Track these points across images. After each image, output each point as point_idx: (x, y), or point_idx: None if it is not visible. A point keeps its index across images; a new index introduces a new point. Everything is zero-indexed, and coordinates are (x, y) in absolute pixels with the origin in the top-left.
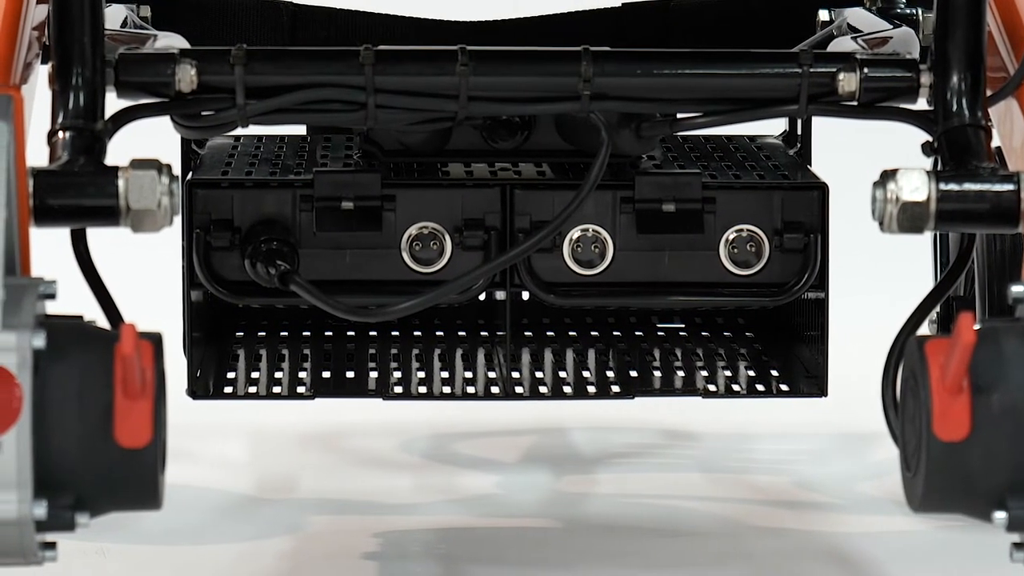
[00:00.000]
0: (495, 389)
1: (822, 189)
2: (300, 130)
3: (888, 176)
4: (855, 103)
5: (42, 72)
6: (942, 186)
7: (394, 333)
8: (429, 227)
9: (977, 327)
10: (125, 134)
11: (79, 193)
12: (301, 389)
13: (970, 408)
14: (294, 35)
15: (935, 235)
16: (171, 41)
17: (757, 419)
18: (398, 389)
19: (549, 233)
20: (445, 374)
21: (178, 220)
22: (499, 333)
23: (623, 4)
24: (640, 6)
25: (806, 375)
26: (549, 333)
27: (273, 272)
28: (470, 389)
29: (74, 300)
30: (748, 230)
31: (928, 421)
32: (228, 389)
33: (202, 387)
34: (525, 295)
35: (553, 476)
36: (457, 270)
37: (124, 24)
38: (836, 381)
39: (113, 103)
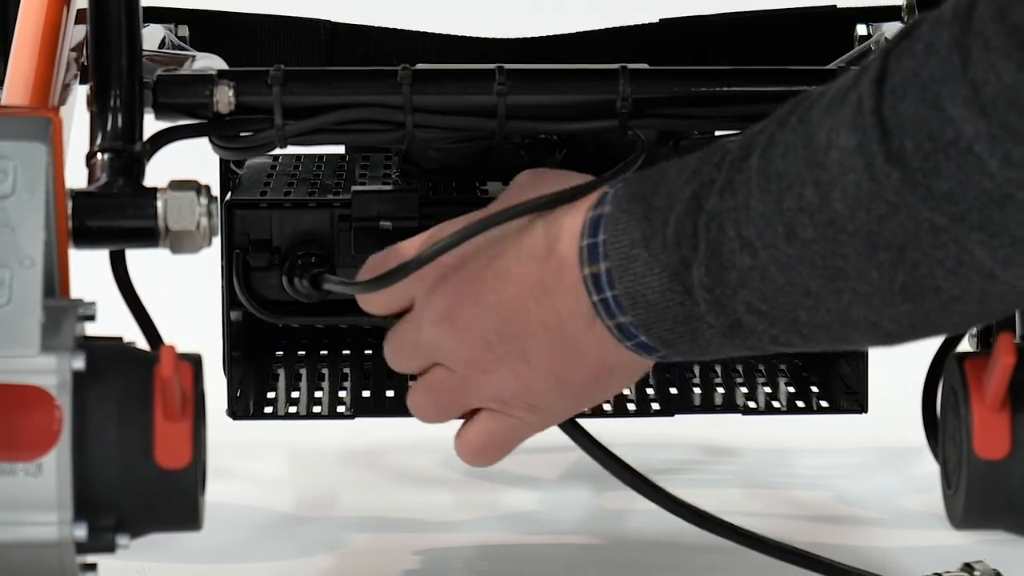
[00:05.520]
0: None
1: None
2: (339, 148)
3: None
4: None
5: (80, 93)
6: None
7: None
8: None
9: (1017, 344)
10: (163, 155)
11: (118, 214)
12: (341, 409)
13: (1010, 426)
14: (331, 54)
15: None
16: (209, 62)
17: (797, 434)
18: None
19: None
20: None
21: (217, 241)
22: None
23: (660, 20)
24: (677, 22)
25: (846, 391)
26: None
27: (306, 281)
28: None
29: (114, 322)
30: None
31: (969, 439)
32: (268, 409)
33: (242, 407)
34: None
35: (594, 492)
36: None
37: (162, 44)
38: (876, 397)
39: (151, 124)
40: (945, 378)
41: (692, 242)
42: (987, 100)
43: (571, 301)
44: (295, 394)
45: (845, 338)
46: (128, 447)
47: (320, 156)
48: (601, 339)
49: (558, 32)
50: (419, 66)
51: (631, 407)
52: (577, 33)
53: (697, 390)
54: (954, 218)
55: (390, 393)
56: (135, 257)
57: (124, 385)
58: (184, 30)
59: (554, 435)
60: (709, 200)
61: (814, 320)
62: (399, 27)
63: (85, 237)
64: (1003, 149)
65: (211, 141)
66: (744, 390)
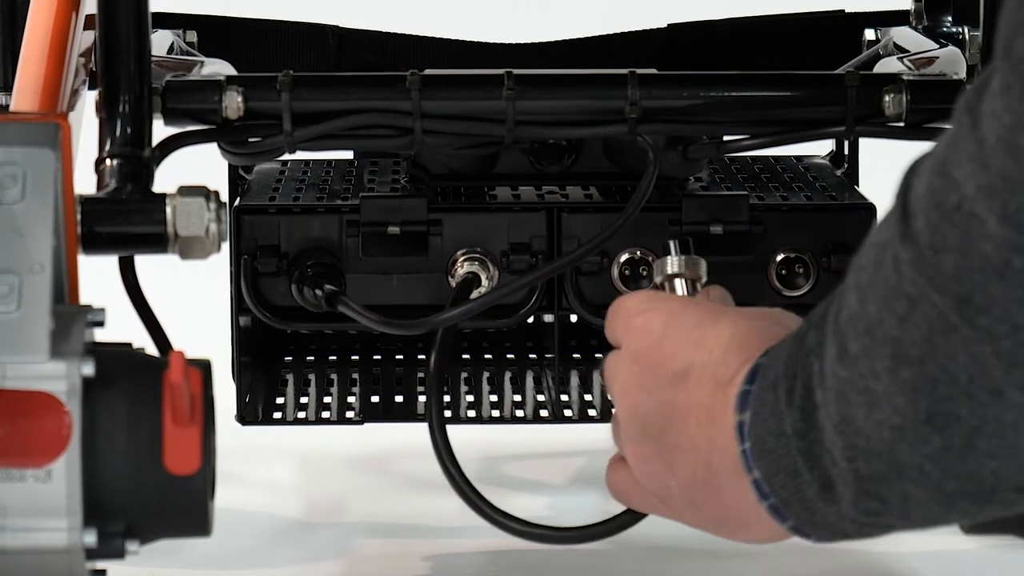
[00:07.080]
0: (544, 412)
1: (870, 210)
2: (347, 154)
3: None
4: (902, 124)
5: (89, 99)
6: None
7: None
8: (476, 251)
9: None
10: (172, 161)
11: (127, 220)
12: (350, 414)
13: None
14: (340, 59)
15: None
16: (218, 67)
17: None
18: (447, 413)
19: (593, 248)
20: (494, 397)
21: (226, 246)
22: (548, 356)
23: (668, 25)
24: (685, 27)
25: None
26: (598, 355)
27: (320, 294)
28: (519, 412)
29: (123, 328)
30: (796, 251)
31: None
32: (277, 415)
33: (251, 412)
34: (573, 318)
35: (603, 498)
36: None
37: (170, 50)
38: None
39: (160, 130)
40: None
41: (790, 383)
42: (988, 150)
43: (727, 441)
44: (304, 399)
45: (909, 498)
46: (137, 453)
47: (329, 162)
48: (743, 490)
49: (567, 37)
50: (428, 71)
51: None
52: (586, 38)
53: None
54: (960, 300)
55: (399, 399)
56: (144, 263)
57: (133, 391)
58: (193, 36)
59: (561, 439)
60: (808, 335)
61: (873, 472)
62: (407, 32)
63: (94, 243)
64: (1000, 203)
65: (220, 147)
66: None
